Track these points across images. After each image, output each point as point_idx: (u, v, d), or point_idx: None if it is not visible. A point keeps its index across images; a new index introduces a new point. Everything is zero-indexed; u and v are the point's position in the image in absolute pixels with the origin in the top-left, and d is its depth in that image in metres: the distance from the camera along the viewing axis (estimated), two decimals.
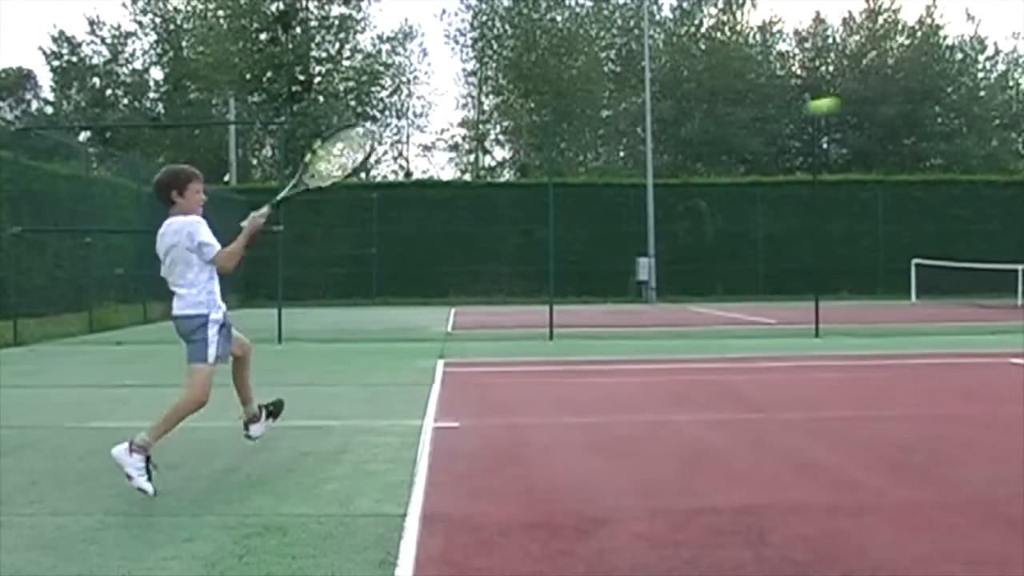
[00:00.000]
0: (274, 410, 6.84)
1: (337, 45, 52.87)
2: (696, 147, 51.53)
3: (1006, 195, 37.88)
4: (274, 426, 6.90)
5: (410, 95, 55.02)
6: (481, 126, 55.38)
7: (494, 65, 54.45)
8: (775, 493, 5.90)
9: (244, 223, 6.22)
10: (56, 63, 51.32)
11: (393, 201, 36.03)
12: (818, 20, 56.08)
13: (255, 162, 52.07)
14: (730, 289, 35.31)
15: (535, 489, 6.04)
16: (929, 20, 54.35)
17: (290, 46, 50.67)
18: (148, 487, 5.71)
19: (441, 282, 35.15)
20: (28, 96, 52.34)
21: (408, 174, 53.00)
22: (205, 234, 6.01)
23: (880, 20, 55.09)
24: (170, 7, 51.29)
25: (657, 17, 54.02)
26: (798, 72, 56.38)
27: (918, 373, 13.06)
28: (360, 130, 7.05)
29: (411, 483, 6.09)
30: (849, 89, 52.94)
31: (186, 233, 5.99)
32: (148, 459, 5.79)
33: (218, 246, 6.05)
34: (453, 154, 56.66)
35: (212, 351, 6.03)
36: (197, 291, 6.06)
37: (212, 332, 6.04)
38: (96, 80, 51.78)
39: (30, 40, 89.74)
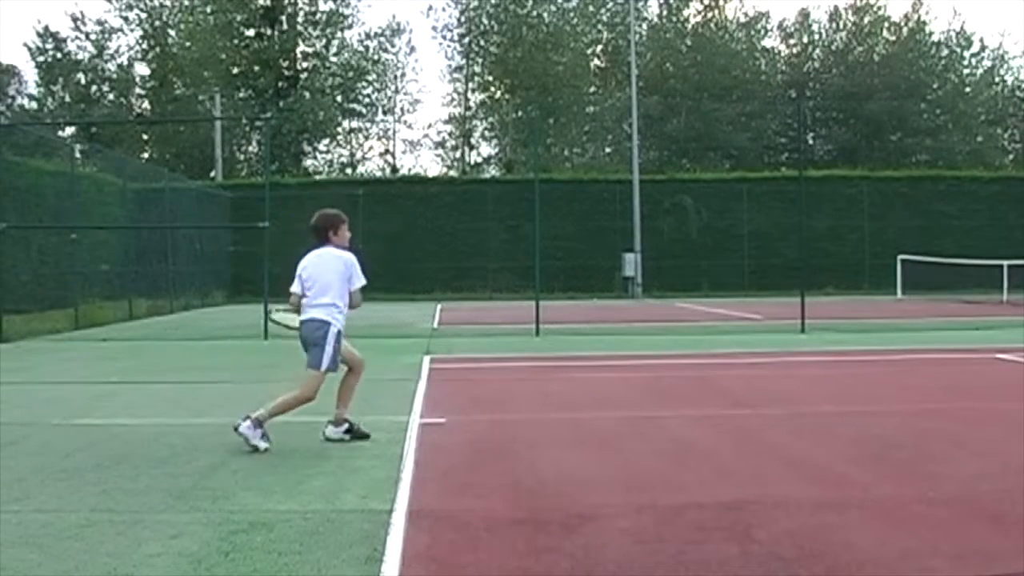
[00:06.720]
0: (356, 433, 7.47)
1: (324, 41, 52.70)
2: (682, 143, 51.52)
3: (991, 191, 37.99)
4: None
5: (397, 91, 54.96)
6: (467, 122, 55.27)
7: (480, 61, 54.36)
8: (760, 488, 5.92)
9: None
10: (41, 59, 50.97)
11: (379, 197, 35.95)
12: (804, 15, 56.16)
13: (241, 158, 51.83)
14: (716, 285, 35.33)
15: (521, 485, 6.04)
16: (915, 16, 54.48)
17: (276, 42, 50.47)
18: (261, 444, 6.95)
19: (427, 278, 35.06)
20: (12, 92, 51.86)
21: (394, 170, 52.85)
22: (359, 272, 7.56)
23: (866, 18, 55.07)
24: (156, 2, 51.05)
25: (643, 13, 54.00)
26: (784, 68, 56.40)
27: (903, 368, 13.12)
28: None
29: (397, 479, 6.10)
30: (835, 85, 53.06)
31: (344, 263, 7.45)
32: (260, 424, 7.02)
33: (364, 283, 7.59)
34: (439, 150, 56.57)
35: (327, 361, 7.21)
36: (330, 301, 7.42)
37: (330, 342, 7.26)
38: (81, 76, 51.46)
39: (14, 36, 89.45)
